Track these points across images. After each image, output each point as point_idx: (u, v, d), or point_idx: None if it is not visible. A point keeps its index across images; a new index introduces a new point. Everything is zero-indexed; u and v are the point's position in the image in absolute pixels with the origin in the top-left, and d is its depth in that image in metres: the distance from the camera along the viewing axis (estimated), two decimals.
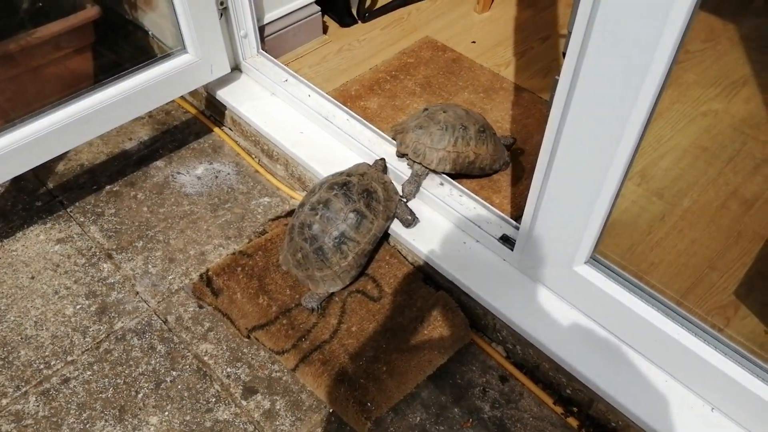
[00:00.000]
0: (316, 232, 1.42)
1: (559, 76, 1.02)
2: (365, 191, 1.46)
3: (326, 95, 1.78)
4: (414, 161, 1.57)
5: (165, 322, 1.52)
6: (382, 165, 1.61)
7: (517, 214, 1.56)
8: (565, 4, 2.27)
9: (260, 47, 1.89)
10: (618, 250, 1.44)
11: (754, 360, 1.11)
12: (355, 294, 1.48)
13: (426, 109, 1.64)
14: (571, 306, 1.34)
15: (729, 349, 1.12)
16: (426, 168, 1.56)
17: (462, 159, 1.56)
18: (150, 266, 1.64)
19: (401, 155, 1.61)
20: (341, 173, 1.52)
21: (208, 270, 1.53)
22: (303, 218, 1.45)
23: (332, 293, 1.47)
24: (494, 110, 1.84)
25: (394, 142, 1.64)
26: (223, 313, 1.48)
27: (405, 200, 1.56)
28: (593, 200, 1.09)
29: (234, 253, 1.56)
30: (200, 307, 1.54)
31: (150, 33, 2.01)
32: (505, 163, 1.64)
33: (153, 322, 1.52)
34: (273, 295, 1.48)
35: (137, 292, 1.58)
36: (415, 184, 1.56)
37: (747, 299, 1.38)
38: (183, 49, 1.71)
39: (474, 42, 2.09)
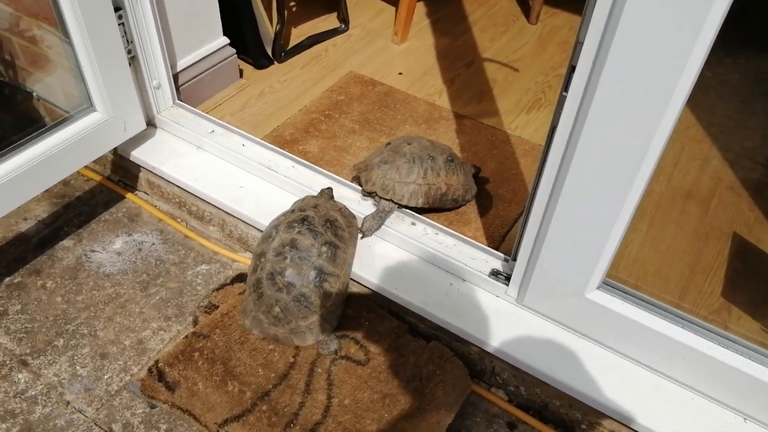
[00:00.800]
0: (292, 278, 1.26)
1: (566, 92, 0.94)
2: (327, 221, 1.32)
3: (264, 142, 1.60)
4: (382, 198, 1.44)
5: None
6: (329, 194, 1.48)
7: (494, 246, 1.47)
8: (479, 29, 2.26)
9: (176, 97, 1.68)
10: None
11: None
12: (339, 361, 1.30)
13: (389, 144, 1.52)
14: (579, 335, 1.25)
15: (749, 350, 1.08)
16: (397, 204, 1.43)
17: (434, 191, 1.45)
18: (78, 367, 1.35)
19: (367, 194, 1.48)
20: (291, 211, 1.37)
21: (157, 361, 1.28)
22: (271, 267, 1.28)
23: (313, 365, 1.28)
24: (440, 140, 1.75)
25: (353, 184, 1.50)
26: (183, 410, 1.23)
27: (362, 236, 1.43)
28: (610, 225, 1.02)
29: (186, 337, 1.33)
30: (152, 407, 1.28)
31: (35, 94, 1.74)
32: (475, 193, 1.55)
33: None
34: (244, 378, 1.26)
35: (68, 402, 1.29)
36: (378, 220, 1.43)
37: (735, 300, 1.37)
38: (90, 107, 1.47)
39: (401, 73, 2.02)
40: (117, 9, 1.41)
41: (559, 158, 1.02)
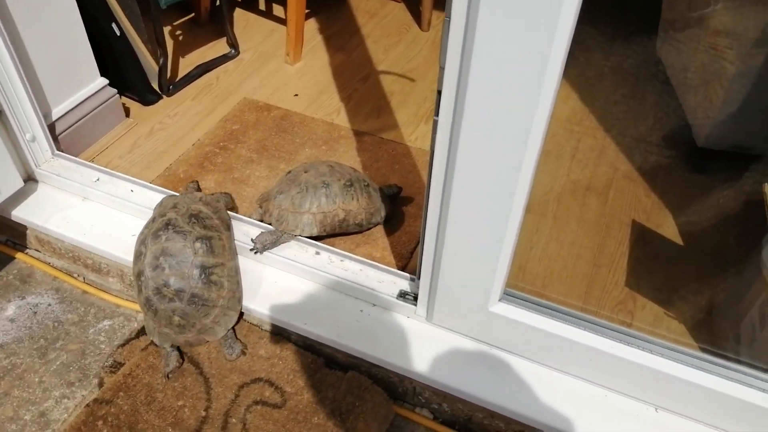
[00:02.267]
0: (178, 285, 1.25)
1: (437, 116, 0.93)
2: (191, 216, 1.32)
3: (152, 185, 1.53)
4: (279, 230, 1.41)
5: None
6: (193, 187, 1.54)
7: (402, 264, 1.45)
8: (372, 41, 2.25)
9: (55, 148, 1.58)
10: (511, 274, 1.39)
11: (676, 348, 1.11)
12: (254, 407, 1.25)
13: (289, 172, 1.50)
14: (491, 346, 1.25)
15: (650, 344, 1.11)
16: (292, 235, 1.40)
17: (330, 219, 1.42)
18: None
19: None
20: (153, 220, 1.36)
21: None
22: (153, 283, 1.26)
23: (226, 415, 1.23)
24: (340, 160, 1.73)
25: (251, 219, 1.46)
26: None
27: (255, 250, 1.41)
28: (500, 238, 1.01)
29: (88, 405, 1.25)
30: None
31: None
32: (386, 214, 1.52)
33: None
34: None
35: None
36: (275, 237, 1.41)
37: (639, 288, 1.41)
38: None
39: (297, 95, 1.98)
40: None
41: (442, 177, 1.01)
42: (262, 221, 1.47)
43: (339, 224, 1.44)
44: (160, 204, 1.40)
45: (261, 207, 1.50)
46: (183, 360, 1.32)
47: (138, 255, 1.31)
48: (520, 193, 0.96)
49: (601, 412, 1.17)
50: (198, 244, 1.27)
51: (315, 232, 1.42)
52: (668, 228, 1.56)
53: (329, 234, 1.46)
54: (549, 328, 1.13)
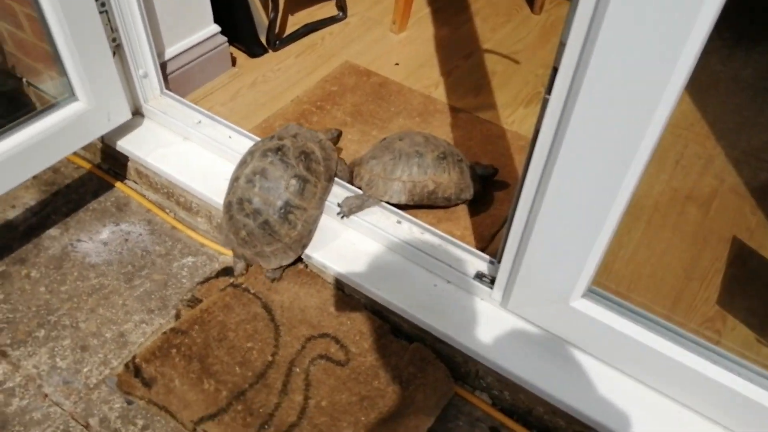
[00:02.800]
0: (258, 206, 1.32)
1: (549, 95, 0.90)
2: (302, 153, 1.35)
3: (250, 134, 1.57)
4: (367, 194, 1.42)
5: (86, 427, 1.24)
6: (335, 133, 1.56)
7: (482, 246, 1.43)
8: (481, 18, 2.20)
9: (164, 87, 1.65)
10: (598, 271, 1.34)
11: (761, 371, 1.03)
12: (318, 361, 1.27)
13: (384, 139, 1.50)
14: (564, 342, 1.21)
15: (739, 367, 1.04)
16: (379, 200, 1.41)
17: (420, 189, 1.41)
18: (58, 359, 1.34)
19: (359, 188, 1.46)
20: (272, 137, 1.40)
21: (134, 357, 1.27)
22: (241, 193, 1.33)
23: (291, 364, 1.26)
24: (434, 134, 1.71)
25: (342, 181, 1.48)
26: (159, 407, 1.22)
27: (341, 214, 1.42)
28: (594, 234, 0.97)
29: (165, 332, 1.31)
30: (129, 403, 1.27)
31: (24, 81, 1.71)
32: (475, 192, 1.49)
33: (71, 429, 1.23)
34: (220, 377, 1.24)
35: (46, 395, 1.28)
36: (360, 201, 1.42)
37: (731, 308, 1.33)
38: (72, 96, 1.44)
39: (397, 64, 1.97)
40: None
41: (543, 162, 0.97)
42: (351, 184, 1.48)
43: (428, 195, 1.43)
44: (286, 127, 1.46)
45: (353, 170, 1.52)
46: (247, 270, 1.41)
47: (242, 162, 1.39)
48: (624, 191, 0.92)
49: (672, 429, 1.11)
50: (293, 181, 1.31)
51: (403, 200, 1.42)
52: None
53: (417, 204, 1.45)
54: (631, 333, 1.08)
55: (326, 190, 1.40)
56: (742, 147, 1.77)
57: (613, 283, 1.38)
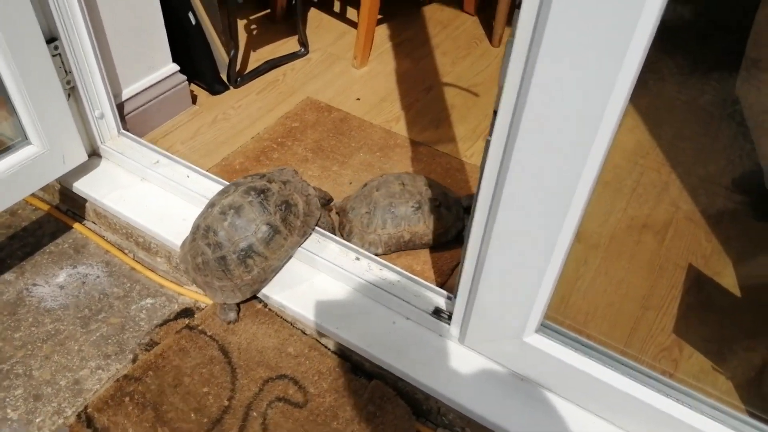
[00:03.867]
0: (222, 240, 1.31)
1: (491, 136, 0.91)
2: (284, 202, 1.35)
3: (208, 174, 1.56)
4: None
5: None
6: (324, 197, 1.54)
7: (441, 281, 1.43)
8: (441, 52, 2.24)
9: (121, 127, 1.64)
10: (552, 305, 1.35)
11: (720, 407, 1.04)
12: (275, 403, 1.25)
13: (365, 185, 1.54)
14: (522, 378, 1.21)
15: (692, 399, 1.05)
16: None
17: (395, 240, 1.47)
18: (9, 410, 1.30)
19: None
20: (262, 176, 1.40)
21: (86, 406, 1.24)
22: (210, 221, 1.32)
23: (248, 408, 1.24)
24: (394, 168, 1.72)
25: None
26: None
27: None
28: (542, 269, 0.98)
29: (118, 380, 1.28)
30: None
31: None
32: (461, 229, 1.52)
33: None
34: (175, 424, 1.21)
35: None
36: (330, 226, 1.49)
37: (687, 336, 1.34)
38: (24, 140, 1.43)
39: (359, 99, 1.98)
40: (52, 40, 1.37)
41: (489, 199, 0.98)
42: (334, 233, 1.49)
43: (405, 244, 1.48)
44: (281, 170, 1.47)
45: (338, 215, 1.57)
46: (238, 317, 1.38)
47: (225, 190, 1.39)
48: (568, 227, 0.93)
49: None
50: (264, 228, 1.31)
51: (380, 251, 1.47)
52: (727, 277, 1.48)
53: (395, 251, 1.50)
54: (585, 368, 1.09)
55: (296, 245, 1.39)
56: (697, 174, 1.80)
57: (570, 314, 1.39)
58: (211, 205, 1.37)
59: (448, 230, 1.49)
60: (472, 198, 1.55)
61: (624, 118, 2.03)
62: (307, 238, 1.42)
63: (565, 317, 1.33)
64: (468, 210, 1.55)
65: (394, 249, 1.48)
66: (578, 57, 0.76)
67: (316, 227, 1.44)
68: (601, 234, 1.58)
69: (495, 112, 0.88)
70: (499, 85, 0.86)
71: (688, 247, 1.55)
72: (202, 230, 1.35)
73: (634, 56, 0.74)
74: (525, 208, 0.93)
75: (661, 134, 1.91)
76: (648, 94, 2.08)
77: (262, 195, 1.34)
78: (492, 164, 0.93)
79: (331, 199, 1.59)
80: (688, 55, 2.25)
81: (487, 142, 0.92)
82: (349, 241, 1.48)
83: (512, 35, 0.79)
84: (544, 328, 1.12)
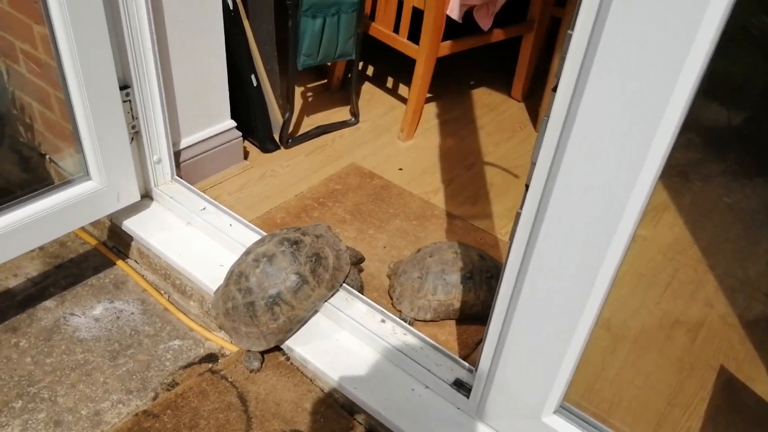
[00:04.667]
0: (252, 286, 1.36)
1: (521, 209, 0.94)
2: (315, 255, 1.39)
3: (250, 224, 1.63)
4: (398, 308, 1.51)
5: None
6: (354, 255, 1.59)
7: (465, 353, 1.43)
8: (485, 133, 2.31)
9: (175, 173, 1.73)
10: (576, 389, 1.32)
11: None
12: None
13: (419, 251, 1.58)
14: None
15: None
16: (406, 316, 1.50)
17: (445, 308, 1.48)
18: None
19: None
20: (297, 229, 1.46)
21: None
22: (243, 267, 1.38)
23: None
24: (428, 238, 1.76)
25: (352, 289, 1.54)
26: None
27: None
28: (563, 349, 0.98)
29: (136, 414, 1.30)
30: None
31: (47, 157, 1.82)
32: None
33: None
34: None
35: None
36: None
37: None
38: (85, 175, 1.53)
39: (401, 169, 2.05)
40: (125, 87, 1.49)
41: (515, 275, 1.00)
42: (362, 293, 1.51)
43: (453, 312, 1.49)
44: (316, 225, 1.53)
45: (389, 277, 1.60)
46: (261, 367, 1.41)
47: (260, 240, 1.46)
48: (590, 308, 0.94)
49: None
50: (293, 277, 1.36)
51: (428, 317, 1.49)
52: (761, 384, 1.43)
53: (443, 318, 1.51)
54: None
55: (322, 298, 1.42)
56: (736, 276, 1.78)
57: (594, 401, 1.36)
58: (247, 252, 1.43)
59: None
60: None
61: (663, 213, 2.03)
62: (334, 293, 1.45)
63: (588, 403, 1.31)
64: None
65: (443, 316, 1.49)
66: (604, 144, 0.79)
67: (344, 284, 1.47)
68: (632, 326, 1.56)
69: (527, 186, 0.91)
70: (532, 161, 0.90)
71: (720, 348, 1.52)
72: (235, 276, 1.40)
73: (657, 153, 0.77)
74: (549, 286, 0.95)
75: (700, 233, 1.90)
76: (691, 193, 2.08)
77: (294, 246, 1.39)
78: (521, 237, 0.95)
79: (362, 259, 1.63)
80: (737, 158, 2.26)
81: (517, 215, 0.95)
82: (398, 304, 1.51)
83: (547, 115, 0.84)
84: (563, 410, 1.10)
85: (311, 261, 1.38)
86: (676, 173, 2.10)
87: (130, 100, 1.52)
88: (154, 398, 1.42)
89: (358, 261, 1.61)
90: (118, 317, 1.61)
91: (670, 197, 1.99)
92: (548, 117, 0.84)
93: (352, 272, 1.51)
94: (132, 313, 1.63)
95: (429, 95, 2.35)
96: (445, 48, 2.11)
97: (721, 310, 1.63)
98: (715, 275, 1.75)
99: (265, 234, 1.54)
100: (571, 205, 0.87)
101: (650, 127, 0.76)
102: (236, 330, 1.39)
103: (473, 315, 1.49)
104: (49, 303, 1.63)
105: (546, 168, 0.87)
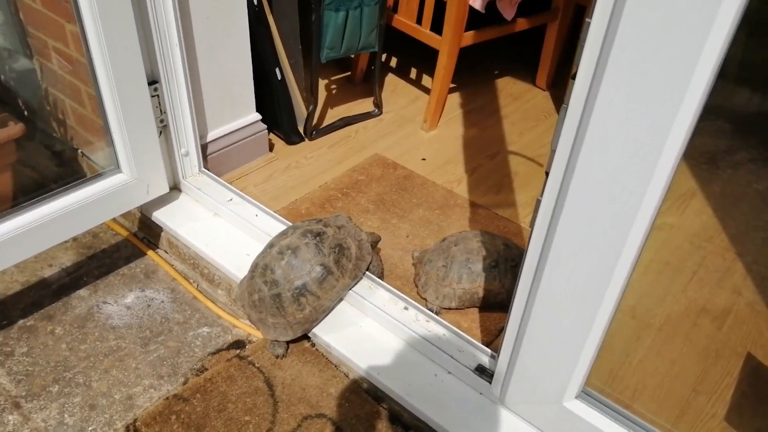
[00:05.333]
0: (278, 278, 1.38)
1: (541, 196, 0.95)
2: (338, 246, 1.41)
3: (275, 214, 1.66)
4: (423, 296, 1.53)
5: None
6: (373, 237, 1.59)
7: (487, 340, 1.44)
8: (510, 122, 2.31)
9: (202, 165, 1.77)
10: (599, 376, 1.33)
11: None
12: None
13: (444, 239, 1.59)
14: None
15: None
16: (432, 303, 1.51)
17: (470, 296, 1.49)
18: (66, 416, 1.39)
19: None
20: (318, 221, 1.48)
21: (135, 420, 1.30)
22: (268, 260, 1.40)
23: None
24: (451, 227, 1.77)
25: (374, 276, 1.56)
26: None
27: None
28: (585, 333, 0.99)
29: (167, 398, 1.35)
30: None
31: (79, 151, 1.88)
32: None
33: None
34: None
35: None
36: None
37: (739, 426, 1.28)
38: (116, 168, 1.57)
39: (424, 159, 2.06)
40: (153, 82, 1.53)
41: (535, 261, 1.01)
42: (381, 278, 1.54)
43: (478, 300, 1.50)
44: (336, 216, 1.55)
45: (415, 266, 1.62)
46: (286, 354, 1.44)
47: (284, 233, 1.48)
48: (612, 291, 0.94)
49: None
50: (318, 269, 1.38)
51: (453, 305, 1.50)
52: None
53: (468, 306, 1.52)
54: None
55: (346, 287, 1.45)
56: (765, 263, 1.75)
57: (618, 387, 1.36)
58: (270, 245, 1.45)
59: None
60: None
61: (691, 201, 2.00)
62: (358, 281, 1.47)
63: (612, 390, 1.31)
64: None
65: (467, 305, 1.50)
66: (623, 130, 0.80)
67: (367, 272, 1.49)
68: (657, 313, 1.55)
69: (547, 173, 0.92)
70: (552, 148, 0.90)
71: (748, 335, 1.50)
72: (260, 269, 1.42)
73: (676, 139, 0.77)
74: (570, 271, 0.96)
75: (729, 220, 1.88)
76: (720, 180, 2.06)
77: (318, 238, 1.41)
78: (541, 224, 0.96)
79: (379, 239, 1.65)
80: (766, 146, 2.22)
81: (538, 202, 0.96)
82: (424, 292, 1.52)
83: (566, 102, 0.84)
84: (585, 395, 1.11)
85: (335, 252, 1.41)
86: (705, 160, 2.08)
87: (158, 95, 1.56)
88: (184, 383, 1.46)
89: (375, 242, 1.64)
90: (149, 305, 1.66)
91: (698, 184, 1.97)
92: (567, 104, 0.84)
93: (374, 259, 1.53)
94: (162, 302, 1.67)
95: (452, 85, 2.35)
96: (468, 38, 2.10)
97: (750, 298, 1.61)
98: (743, 263, 1.73)
99: (289, 225, 1.57)
100: (590, 191, 0.87)
101: (670, 113, 0.76)
102: (263, 321, 1.42)
103: (498, 303, 1.50)
104: (82, 292, 1.68)
105: (566, 155, 0.88)
